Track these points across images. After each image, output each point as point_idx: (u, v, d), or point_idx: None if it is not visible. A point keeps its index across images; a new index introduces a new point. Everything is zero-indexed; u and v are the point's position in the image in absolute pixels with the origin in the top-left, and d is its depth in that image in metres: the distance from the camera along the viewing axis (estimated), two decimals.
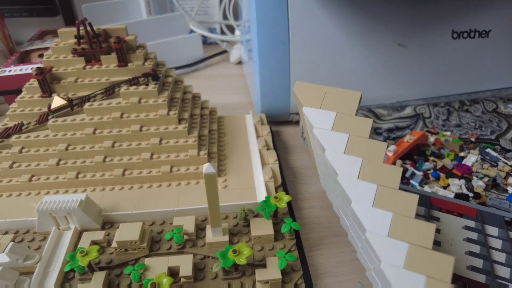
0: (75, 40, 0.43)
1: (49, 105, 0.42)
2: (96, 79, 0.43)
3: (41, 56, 0.66)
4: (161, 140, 0.41)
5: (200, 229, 0.35)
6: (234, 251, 0.29)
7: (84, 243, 0.33)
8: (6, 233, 0.36)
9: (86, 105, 0.41)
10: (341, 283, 0.33)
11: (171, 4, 0.79)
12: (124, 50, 0.43)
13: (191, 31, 0.79)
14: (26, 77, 0.59)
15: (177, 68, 0.73)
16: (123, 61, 0.43)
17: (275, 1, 0.48)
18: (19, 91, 0.53)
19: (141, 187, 0.40)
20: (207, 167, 0.28)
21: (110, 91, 0.42)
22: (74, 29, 0.43)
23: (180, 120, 0.42)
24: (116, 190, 0.40)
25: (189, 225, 0.34)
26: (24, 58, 0.66)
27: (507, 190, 0.40)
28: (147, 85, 0.42)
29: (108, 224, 0.36)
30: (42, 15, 0.78)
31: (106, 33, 0.44)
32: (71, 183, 0.40)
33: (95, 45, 0.43)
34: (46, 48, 0.68)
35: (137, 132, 0.40)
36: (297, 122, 0.57)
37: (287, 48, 0.50)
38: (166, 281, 0.28)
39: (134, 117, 0.41)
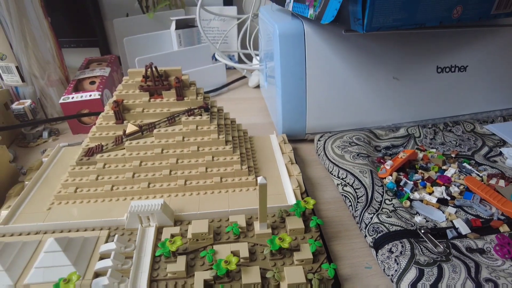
0: (142, 78, 0.56)
1: (124, 130, 0.54)
2: (159, 110, 0.55)
3: (92, 83, 0.78)
4: (213, 157, 0.53)
5: (248, 224, 0.47)
6: (280, 239, 0.41)
7: (166, 235, 0.45)
8: (101, 229, 0.47)
9: (155, 131, 0.53)
10: (352, 264, 0.45)
11: (198, 37, 0.92)
12: (181, 87, 0.55)
13: (214, 59, 0.91)
14: (85, 103, 0.71)
15: (205, 92, 0.85)
16: (180, 96, 0.56)
17: (295, 44, 0.61)
18: (79, 115, 0.66)
19: (199, 194, 0.52)
20: (261, 179, 0.41)
21: (171, 120, 0.55)
22: (140, 69, 0.56)
23: (226, 142, 0.54)
24: (180, 197, 0.52)
25: (241, 221, 0.46)
26: (78, 85, 0.78)
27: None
28: (201, 115, 0.54)
29: (178, 222, 0.48)
30: (87, 46, 0.91)
31: (166, 73, 0.56)
32: (144, 191, 0.52)
33: (158, 83, 0.55)
34: (96, 76, 0.79)
35: (195, 151, 0.53)
36: (311, 141, 0.69)
37: (304, 82, 0.63)
38: (234, 259, 0.40)
39: (193, 140, 0.53)
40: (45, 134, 0.72)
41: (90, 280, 0.40)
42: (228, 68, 1.02)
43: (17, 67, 0.71)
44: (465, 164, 0.59)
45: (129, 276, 0.40)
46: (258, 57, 0.90)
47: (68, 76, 0.81)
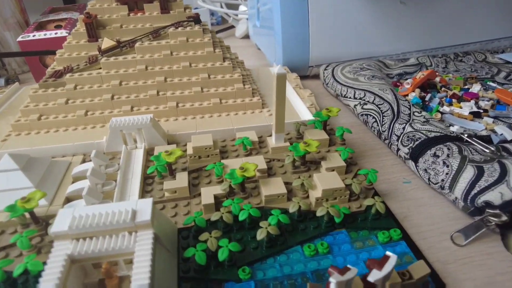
0: None
1: (99, 47, 0.44)
2: (140, 25, 0.46)
3: (58, 26, 0.67)
4: (209, 75, 0.44)
5: (260, 142, 0.39)
6: (305, 143, 0.33)
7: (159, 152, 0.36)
8: (74, 155, 0.37)
9: (137, 44, 0.44)
10: (388, 180, 0.37)
11: None
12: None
13: (196, 8, 0.82)
14: (49, 41, 0.60)
15: None
16: (165, 9, 0.46)
17: None
18: (42, 52, 0.55)
19: (194, 118, 0.43)
20: (278, 68, 0.32)
21: (155, 34, 0.45)
22: None
23: (224, 58, 0.46)
24: (171, 121, 0.42)
25: (252, 136, 0.38)
26: (41, 28, 0.67)
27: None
28: (191, 27, 0.46)
29: (174, 143, 0.39)
30: None
31: None
32: (126, 116, 0.42)
33: None
34: (62, 19, 0.69)
35: (187, 67, 0.44)
36: (314, 77, 0.62)
37: (306, 10, 0.55)
38: (251, 166, 0.31)
39: (183, 54, 0.44)
40: (1, 81, 0.61)
41: (61, 206, 0.30)
42: (212, 23, 0.93)
43: None
44: (489, 83, 0.53)
45: (113, 199, 0.31)
46: (246, 2, 0.81)
47: (28, 20, 0.70)
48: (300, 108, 0.44)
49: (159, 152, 0.33)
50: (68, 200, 0.31)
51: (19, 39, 0.59)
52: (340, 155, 0.35)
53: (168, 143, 0.39)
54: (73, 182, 0.33)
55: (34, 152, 0.36)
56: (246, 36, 0.84)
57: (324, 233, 0.28)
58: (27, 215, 0.28)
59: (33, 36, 0.59)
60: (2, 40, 0.64)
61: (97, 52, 0.44)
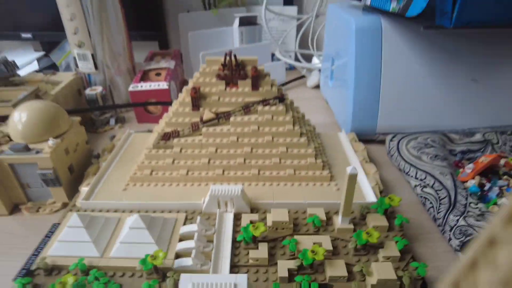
0: (220, 66, 0.56)
1: (201, 117, 0.54)
2: (234, 99, 0.55)
3: (158, 75, 0.80)
4: (287, 149, 0.52)
5: (327, 218, 0.46)
6: (367, 233, 0.40)
7: (245, 221, 0.44)
8: (178, 212, 0.48)
9: (231, 119, 0.53)
10: (437, 267, 0.42)
11: (259, 35, 0.92)
12: (258, 77, 0.55)
13: (274, 57, 0.91)
14: (152, 92, 0.72)
15: None
16: (256, 86, 0.55)
17: (371, 39, 0.59)
18: (148, 104, 0.67)
19: (272, 185, 0.51)
20: (351, 169, 0.39)
21: (247, 109, 0.54)
22: (218, 58, 0.56)
23: (301, 134, 0.53)
24: (253, 186, 0.51)
25: (321, 214, 0.45)
26: (144, 76, 0.80)
27: None
28: (275, 105, 0.54)
29: (254, 210, 0.47)
30: (148, 40, 0.93)
31: (243, 63, 0.56)
32: (218, 178, 0.52)
33: (235, 72, 0.56)
34: (161, 68, 0.81)
35: (269, 141, 0.52)
36: (379, 142, 0.67)
37: (379, 79, 0.61)
38: (321, 250, 0.38)
39: (267, 130, 0.53)
40: (112, 121, 0.75)
41: (172, 260, 0.40)
42: (287, 69, 1.02)
43: (92, 55, 0.74)
44: None
45: (211, 259, 0.40)
46: (320, 57, 0.89)
47: (135, 67, 0.83)
48: (365, 187, 0.50)
49: (247, 224, 0.42)
50: (177, 255, 0.41)
51: (130, 89, 0.72)
52: (396, 244, 0.41)
53: (251, 209, 0.47)
54: (180, 240, 0.42)
55: (147, 206, 0.47)
56: (317, 86, 0.91)
57: None
58: None
59: (141, 86, 0.72)
60: (115, 85, 0.78)
61: (199, 120, 0.54)
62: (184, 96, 0.56)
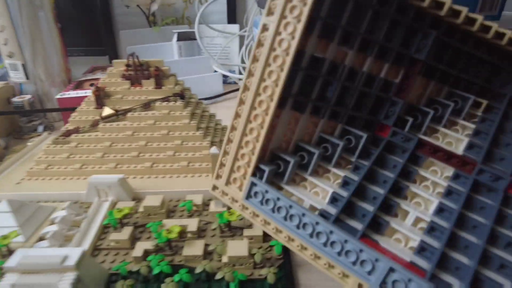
0: (125, 67, 0.58)
1: (100, 114, 0.55)
2: (137, 97, 0.57)
3: (91, 85, 0.82)
4: (182, 142, 0.53)
5: (206, 205, 0.46)
6: (229, 213, 0.40)
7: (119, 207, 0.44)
8: (62, 201, 0.47)
9: (129, 114, 0.54)
10: None
11: (198, 50, 0.96)
12: (160, 77, 0.57)
13: (215, 71, 0.94)
14: (80, 99, 0.74)
15: (200, 99, 0.87)
16: (159, 85, 0.57)
17: None
18: (74, 109, 0.68)
19: (164, 177, 0.51)
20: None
21: (147, 106, 0.56)
22: (125, 60, 0.58)
23: (198, 128, 0.54)
24: (145, 179, 0.51)
25: (197, 200, 0.45)
26: (78, 86, 0.82)
27: None
28: (176, 102, 0.55)
29: (137, 199, 0.47)
30: (94, 55, 0.97)
31: (148, 64, 0.58)
32: (111, 171, 0.52)
33: (139, 72, 0.58)
34: (96, 79, 0.84)
35: (165, 135, 0.53)
36: None
37: None
38: (176, 229, 0.38)
39: (164, 124, 0.54)
40: (40, 128, 0.75)
41: (33, 244, 0.40)
42: (229, 82, 1.04)
43: (23, 65, 0.76)
44: None
45: (72, 241, 0.39)
46: None
47: (71, 79, 0.86)
48: None
49: (115, 208, 0.42)
50: (41, 239, 0.40)
51: (58, 96, 0.74)
52: None
53: (134, 199, 0.47)
54: (49, 225, 0.42)
55: (32, 196, 0.47)
56: None
57: None
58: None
59: (68, 94, 0.74)
60: (49, 94, 0.80)
61: (99, 117, 0.55)
62: (90, 95, 0.58)
